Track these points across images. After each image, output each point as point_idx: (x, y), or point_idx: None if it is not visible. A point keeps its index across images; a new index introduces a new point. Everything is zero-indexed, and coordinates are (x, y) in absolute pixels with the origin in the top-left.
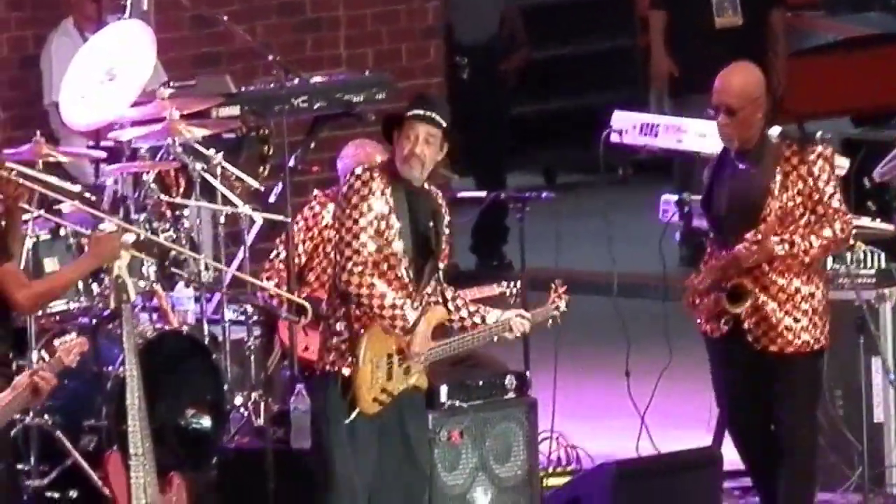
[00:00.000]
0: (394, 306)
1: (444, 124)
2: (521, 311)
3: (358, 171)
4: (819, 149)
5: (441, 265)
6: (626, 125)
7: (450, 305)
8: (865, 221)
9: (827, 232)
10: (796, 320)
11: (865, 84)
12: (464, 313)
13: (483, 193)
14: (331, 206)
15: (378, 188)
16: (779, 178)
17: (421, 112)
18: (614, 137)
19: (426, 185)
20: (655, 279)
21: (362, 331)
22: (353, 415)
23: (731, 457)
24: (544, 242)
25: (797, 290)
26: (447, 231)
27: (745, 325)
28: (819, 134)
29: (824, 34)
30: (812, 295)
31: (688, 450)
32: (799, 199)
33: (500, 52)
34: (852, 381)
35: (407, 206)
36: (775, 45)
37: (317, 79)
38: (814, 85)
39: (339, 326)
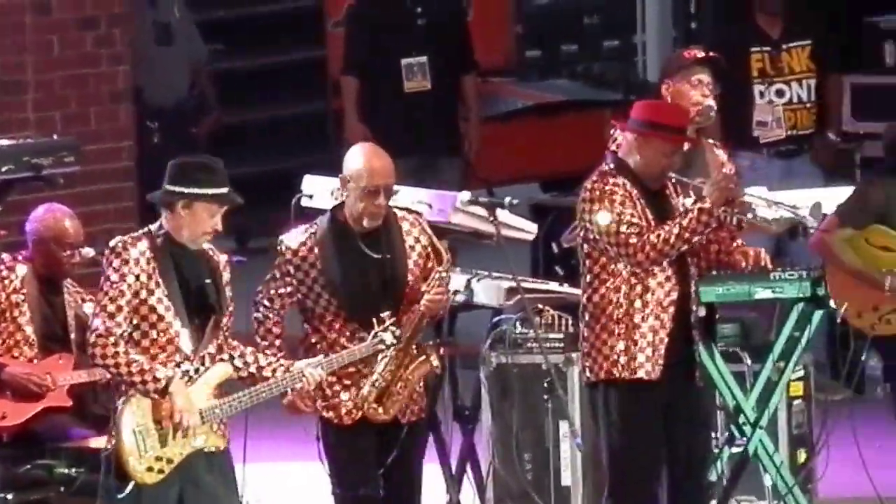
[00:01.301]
0: (142, 371)
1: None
2: (312, 361)
3: (112, 243)
4: None
5: (225, 321)
6: (318, 189)
7: (236, 362)
8: (553, 286)
9: None
10: None
11: (554, 150)
12: (252, 369)
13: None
14: (19, 269)
15: (133, 256)
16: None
17: (214, 192)
18: (306, 201)
19: (203, 246)
20: None
21: (121, 401)
22: (129, 487)
23: None
24: (236, 305)
25: None
26: (228, 290)
27: None
28: (508, 199)
29: (514, 100)
30: None
31: None
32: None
33: (191, 116)
34: (541, 444)
35: (175, 269)
36: (467, 110)
37: (4, 142)
38: (504, 150)
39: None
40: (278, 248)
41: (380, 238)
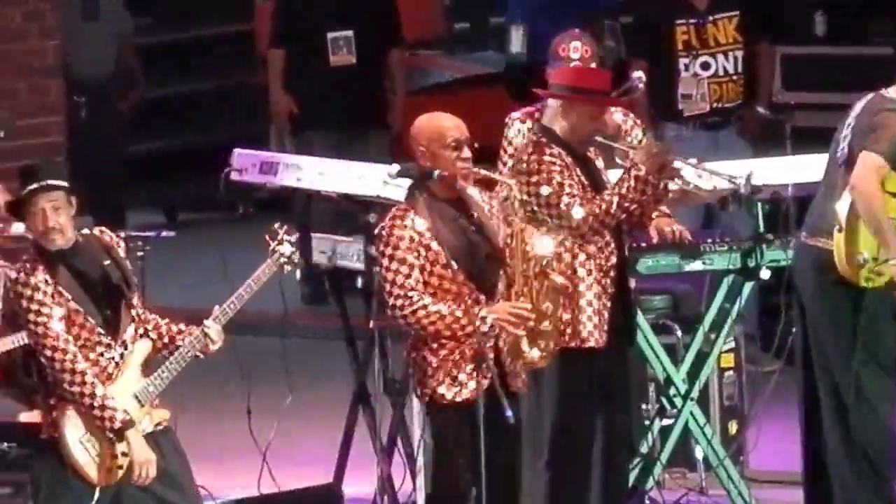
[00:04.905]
0: (104, 408)
1: (62, 184)
2: (208, 320)
3: (13, 275)
4: None
5: (135, 299)
6: (247, 163)
7: (151, 335)
8: None
9: None
10: None
11: (482, 122)
12: (166, 339)
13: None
14: None
15: (37, 284)
16: None
17: (35, 186)
18: (234, 175)
19: (78, 239)
20: (276, 317)
21: (56, 415)
22: (96, 495)
23: (352, 494)
24: (166, 280)
25: None
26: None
27: None
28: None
29: (442, 73)
30: None
31: (309, 487)
32: None
33: (117, 90)
34: None
35: (69, 269)
36: (393, 84)
37: None
38: None
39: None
40: (382, 242)
41: (462, 201)
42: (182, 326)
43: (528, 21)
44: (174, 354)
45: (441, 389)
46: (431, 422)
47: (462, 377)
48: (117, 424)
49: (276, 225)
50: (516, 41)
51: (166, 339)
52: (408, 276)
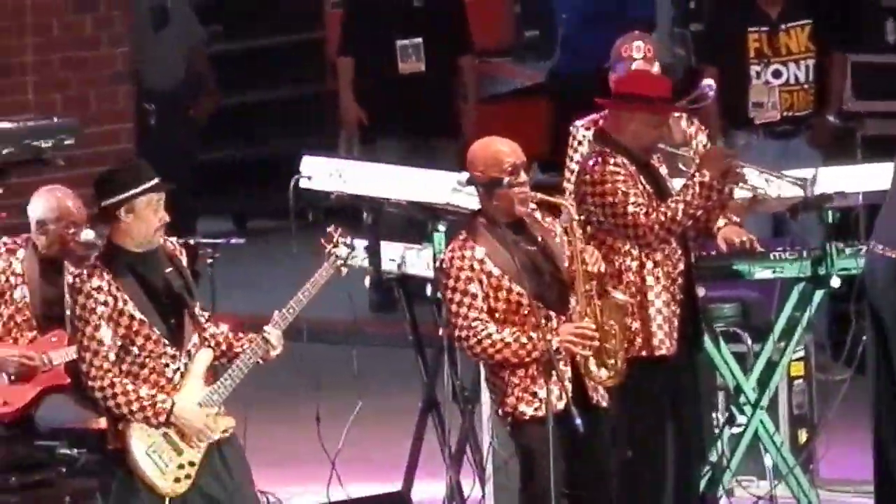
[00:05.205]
0: (141, 401)
1: (169, 185)
2: (268, 326)
3: (69, 280)
4: None
5: (197, 308)
6: (316, 170)
7: (211, 344)
8: None
9: None
10: None
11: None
12: (224, 347)
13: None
14: (20, 253)
15: (94, 286)
16: None
17: (150, 184)
18: (304, 182)
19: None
20: (345, 324)
21: (122, 427)
22: None
23: (422, 500)
24: (234, 288)
25: None
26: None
27: None
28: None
29: (512, 81)
30: None
31: (378, 494)
32: None
33: (188, 98)
34: None
35: (135, 276)
36: (465, 91)
37: (4, 124)
38: (502, 131)
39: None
40: (444, 273)
41: (523, 224)
42: (240, 334)
43: (574, 32)
44: (235, 362)
45: (521, 407)
46: (516, 440)
47: (541, 392)
48: (163, 417)
49: (331, 228)
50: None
51: (224, 347)
52: (470, 307)
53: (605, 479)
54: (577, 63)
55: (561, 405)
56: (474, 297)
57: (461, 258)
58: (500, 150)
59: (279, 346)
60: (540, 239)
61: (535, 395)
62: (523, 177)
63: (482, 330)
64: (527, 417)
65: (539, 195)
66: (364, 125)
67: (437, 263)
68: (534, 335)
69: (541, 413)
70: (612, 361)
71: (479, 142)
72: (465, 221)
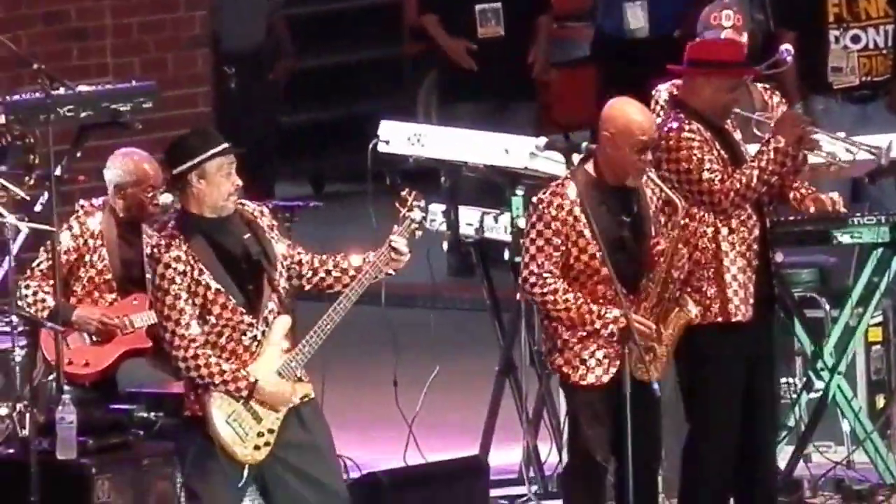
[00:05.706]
0: (223, 375)
1: (239, 149)
2: (394, 235)
3: (148, 251)
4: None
5: (276, 273)
6: (394, 134)
7: (334, 273)
8: None
9: None
10: None
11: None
12: (345, 266)
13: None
14: (98, 215)
15: (173, 256)
16: None
17: (219, 149)
18: (382, 146)
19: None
20: (423, 288)
21: (201, 393)
22: (245, 473)
23: (498, 465)
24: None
25: None
26: (272, 235)
27: None
28: (584, 144)
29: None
30: None
31: (455, 458)
32: None
33: (267, 62)
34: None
35: (211, 245)
36: (537, 49)
37: (83, 88)
38: (580, 95)
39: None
40: (535, 214)
41: (628, 193)
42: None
43: None
44: (357, 278)
45: (565, 368)
46: (566, 395)
47: (590, 361)
48: (245, 392)
49: (405, 191)
50: (633, 18)
51: (345, 267)
52: (549, 257)
53: (656, 443)
54: (656, 28)
55: (606, 378)
56: (556, 248)
57: (558, 207)
58: (637, 120)
59: (407, 252)
60: (637, 213)
61: (583, 361)
62: (648, 155)
63: (551, 283)
64: (571, 381)
65: (658, 181)
66: (443, 88)
67: (533, 200)
68: (595, 308)
69: (584, 382)
70: (650, 362)
71: (619, 102)
72: (573, 170)
